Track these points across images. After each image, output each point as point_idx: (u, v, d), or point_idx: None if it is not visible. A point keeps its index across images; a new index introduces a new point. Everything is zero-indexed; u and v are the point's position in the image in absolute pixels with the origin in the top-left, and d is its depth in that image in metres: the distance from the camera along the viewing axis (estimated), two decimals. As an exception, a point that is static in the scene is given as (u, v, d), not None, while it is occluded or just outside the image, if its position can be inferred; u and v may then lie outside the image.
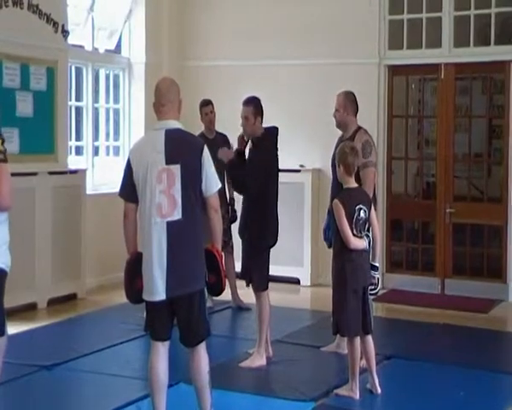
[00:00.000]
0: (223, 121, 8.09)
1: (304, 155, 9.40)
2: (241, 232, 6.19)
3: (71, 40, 8.73)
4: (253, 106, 6.13)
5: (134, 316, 6.76)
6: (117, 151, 9.89)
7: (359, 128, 6.16)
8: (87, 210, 8.56)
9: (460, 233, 9.02)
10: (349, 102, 6.18)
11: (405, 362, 6.22)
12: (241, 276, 6.33)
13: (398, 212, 9.14)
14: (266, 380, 5.84)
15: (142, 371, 5.19)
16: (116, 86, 9.88)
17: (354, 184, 5.39)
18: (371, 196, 5.79)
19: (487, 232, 8.99)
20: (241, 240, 6.27)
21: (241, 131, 6.21)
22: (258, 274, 6.09)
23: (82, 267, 8.50)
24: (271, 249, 6.15)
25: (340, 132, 6.31)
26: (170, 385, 4.66)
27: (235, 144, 7.95)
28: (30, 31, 8.03)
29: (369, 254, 5.39)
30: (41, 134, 8.22)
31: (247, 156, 6.20)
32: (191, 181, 4.42)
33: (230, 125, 8.51)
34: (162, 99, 4.54)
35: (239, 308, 7.94)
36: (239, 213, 6.58)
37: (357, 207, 5.28)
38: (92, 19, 9.34)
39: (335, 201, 5.32)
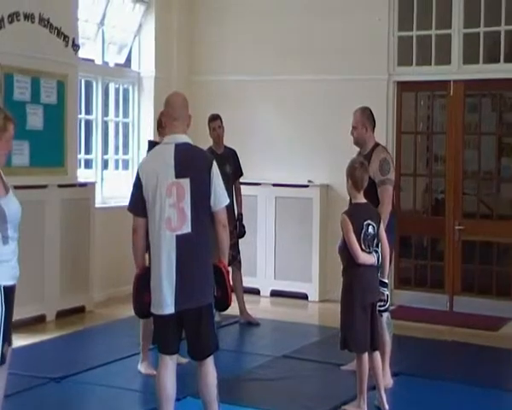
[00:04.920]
0: (231, 136, 8.11)
1: (312, 170, 9.40)
2: None
3: (81, 54, 8.78)
4: None
5: (142, 330, 6.74)
6: (126, 165, 9.92)
7: (377, 145, 6.08)
8: (96, 223, 8.58)
9: (469, 250, 8.99)
10: (366, 118, 6.10)
11: (413, 379, 6.19)
12: None
13: (406, 228, 9.08)
14: (274, 395, 5.81)
15: (150, 385, 5.18)
16: (126, 100, 9.92)
17: (363, 200, 5.38)
18: (388, 213, 5.78)
19: (496, 250, 8.96)
20: None
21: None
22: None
23: (90, 280, 8.51)
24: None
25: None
26: (177, 399, 4.67)
27: (243, 159, 8.03)
28: (41, 44, 8.07)
29: (378, 270, 5.37)
30: (51, 147, 8.24)
31: None
32: (200, 195, 4.44)
33: (239, 140, 8.56)
34: (174, 113, 4.56)
35: (248, 323, 7.91)
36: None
37: (366, 222, 5.27)
38: (102, 33, 9.40)
39: (343, 216, 5.31)
